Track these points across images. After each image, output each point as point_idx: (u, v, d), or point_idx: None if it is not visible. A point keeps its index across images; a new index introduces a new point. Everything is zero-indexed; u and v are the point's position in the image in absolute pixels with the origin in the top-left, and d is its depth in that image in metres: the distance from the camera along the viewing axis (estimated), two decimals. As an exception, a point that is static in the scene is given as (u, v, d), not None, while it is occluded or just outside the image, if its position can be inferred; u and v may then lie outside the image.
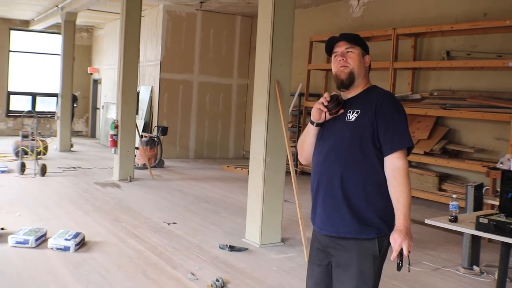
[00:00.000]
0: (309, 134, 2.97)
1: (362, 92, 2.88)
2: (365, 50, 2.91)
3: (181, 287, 5.07)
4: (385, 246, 2.81)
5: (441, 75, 10.01)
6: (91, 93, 20.66)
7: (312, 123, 2.93)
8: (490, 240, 6.87)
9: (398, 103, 2.83)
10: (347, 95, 2.90)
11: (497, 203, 6.34)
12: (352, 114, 2.80)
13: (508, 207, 4.43)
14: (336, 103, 2.82)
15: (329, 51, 2.97)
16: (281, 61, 6.51)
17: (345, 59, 2.86)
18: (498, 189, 7.03)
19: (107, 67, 19.03)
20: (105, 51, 19.28)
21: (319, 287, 2.97)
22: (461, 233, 6.47)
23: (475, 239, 5.87)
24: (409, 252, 2.62)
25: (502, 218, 4.34)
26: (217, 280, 5.09)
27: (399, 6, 10.90)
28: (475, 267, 5.89)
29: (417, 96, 10.01)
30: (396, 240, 2.62)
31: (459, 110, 9.01)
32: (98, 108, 19.92)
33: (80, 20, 16.45)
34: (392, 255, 2.63)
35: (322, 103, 2.84)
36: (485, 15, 9.17)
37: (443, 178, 9.40)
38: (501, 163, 7.19)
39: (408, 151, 2.78)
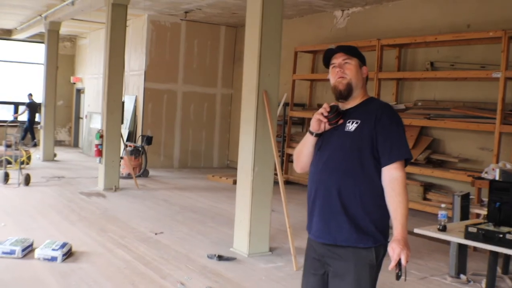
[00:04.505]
0: (307, 144, 2.99)
1: (361, 103, 2.92)
2: (362, 62, 2.95)
3: (171, 297, 5.06)
4: (381, 255, 2.85)
5: (425, 86, 10.12)
6: (74, 102, 20.54)
7: (311, 133, 2.95)
8: (475, 249, 6.95)
9: (397, 115, 2.88)
10: (346, 105, 2.93)
11: (482, 212, 6.44)
12: (351, 125, 2.83)
13: (496, 216, 4.50)
14: (336, 114, 2.85)
15: (327, 62, 2.99)
16: (269, 71, 6.55)
17: (343, 70, 2.89)
18: (483, 199, 7.14)
19: (90, 77, 18.95)
20: (88, 61, 19.20)
21: (315, 297, 2.98)
22: (447, 242, 6.52)
23: (462, 248, 5.93)
24: (406, 262, 2.65)
25: (490, 227, 4.40)
26: (207, 290, 5.09)
27: (383, 17, 11.01)
28: (462, 276, 5.94)
29: (402, 106, 10.10)
30: (395, 250, 2.65)
31: (443, 120, 9.11)
32: (81, 118, 19.81)
33: (63, 30, 16.37)
34: (391, 264, 2.65)
35: (322, 114, 2.86)
36: (469, 27, 9.30)
37: (428, 187, 9.49)
38: (486, 172, 7.29)
39: (406, 163, 2.83)
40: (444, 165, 9.48)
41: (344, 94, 2.89)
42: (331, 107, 2.86)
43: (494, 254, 4.58)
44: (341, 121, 2.87)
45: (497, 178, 6.51)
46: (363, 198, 2.79)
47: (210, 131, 15.67)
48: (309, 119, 10.39)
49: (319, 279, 2.95)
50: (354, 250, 2.80)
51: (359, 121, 2.83)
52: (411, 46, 10.29)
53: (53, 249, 5.94)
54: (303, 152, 3.03)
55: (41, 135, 15.50)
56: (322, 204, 2.86)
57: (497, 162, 7.84)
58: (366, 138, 2.78)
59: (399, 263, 2.65)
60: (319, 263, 2.95)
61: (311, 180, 2.95)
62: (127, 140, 13.81)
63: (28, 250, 6.10)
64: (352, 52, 2.93)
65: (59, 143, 19.30)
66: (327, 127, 2.89)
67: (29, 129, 18.23)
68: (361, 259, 2.79)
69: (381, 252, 2.84)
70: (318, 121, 2.89)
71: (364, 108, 2.88)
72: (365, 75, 2.95)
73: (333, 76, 2.93)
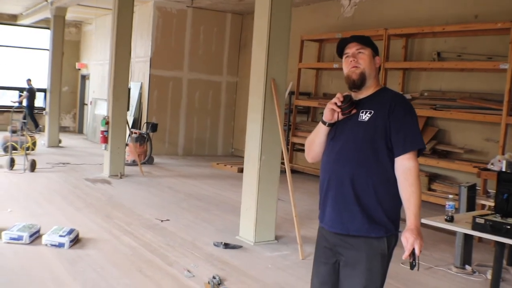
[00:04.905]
0: (320, 134, 3.00)
1: (374, 93, 2.92)
2: (375, 52, 2.95)
3: (178, 284, 5.08)
4: (392, 245, 2.87)
5: (432, 76, 10.09)
6: (79, 88, 20.55)
7: (324, 123, 2.95)
8: (480, 239, 6.97)
9: (410, 105, 2.88)
10: (358, 95, 2.93)
11: (488, 203, 6.45)
12: (365, 115, 2.84)
13: (503, 208, 4.50)
14: (349, 104, 2.85)
15: (340, 52, 2.99)
16: (277, 60, 6.54)
17: (356, 60, 2.89)
18: (489, 190, 7.15)
19: (95, 63, 18.95)
20: (94, 47, 19.19)
21: (326, 285, 2.99)
22: (452, 233, 6.55)
23: (467, 239, 5.94)
24: (420, 251, 2.66)
25: (498, 218, 4.41)
26: (214, 278, 5.11)
27: (391, 7, 10.96)
28: (467, 267, 5.96)
29: (408, 96, 10.07)
30: (408, 240, 2.67)
31: (449, 111, 9.10)
32: (86, 104, 19.82)
33: (68, 15, 16.34)
34: (405, 254, 2.67)
35: (335, 103, 2.86)
36: (476, 17, 9.26)
37: (433, 178, 9.49)
38: (492, 164, 7.29)
39: (419, 153, 2.83)
40: (449, 155, 9.47)
41: (358, 83, 2.89)
42: (345, 97, 2.86)
43: (501, 246, 4.58)
44: (354, 111, 2.87)
45: (503, 169, 6.51)
46: (376, 188, 2.79)
47: (215, 119, 15.68)
48: (315, 108, 10.40)
49: (330, 268, 2.97)
50: (366, 239, 2.81)
51: (372, 111, 2.83)
52: (418, 36, 10.26)
53: (61, 235, 5.96)
54: (315, 141, 3.03)
55: (46, 121, 15.52)
56: (335, 194, 2.87)
57: (503, 153, 7.83)
58: (379, 128, 2.79)
59: (413, 253, 2.67)
60: (330, 252, 2.96)
61: (324, 170, 2.96)
62: (132, 127, 13.81)
63: (35, 236, 6.13)
64: (366, 42, 2.93)
65: (63, 129, 19.32)
66: (340, 117, 2.90)
67: (30, 114, 18.21)
68: (373, 249, 2.81)
69: (393, 241, 2.86)
70: (331, 111, 2.89)
71: (377, 98, 2.88)
72: (378, 65, 2.95)
73: (346, 66, 2.93)
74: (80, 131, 20.34)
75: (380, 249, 2.81)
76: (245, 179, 6.79)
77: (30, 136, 12.85)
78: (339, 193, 2.85)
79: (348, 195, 2.82)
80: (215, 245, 6.35)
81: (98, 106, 17.37)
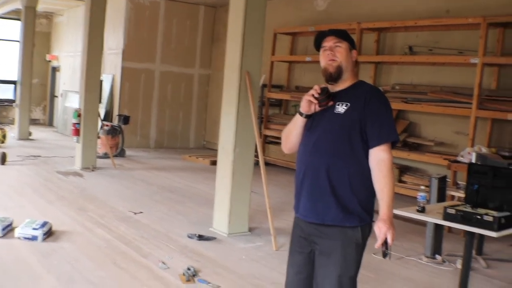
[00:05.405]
0: (296, 125, 3.04)
1: (350, 86, 2.97)
2: (352, 45, 3.00)
3: (153, 276, 5.09)
4: (366, 234, 2.93)
5: (403, 70, 10.22)
6: (49, 80, 20.27)
7: (301, 114, 2.99)
8: (450, 230, 7.10)
9: (386, 98, 2.95)
10: (335, 88, 2.98)
11: (458, 194, 6.58)
12: (341, 107, 2.89)
13: (473, 198, 4.62)
14: (326, 96, 2.90)
15: (318, 45, 3.03)
16: (252, 52, 6.56)
17: (334, 53, 2.94)
18: (459, 182, 7.29)
19: (66, 55, 18.71)
20: (65, 38, 18.94)
21: (301, 275, 3.04)
22: (421, 223, 6.66)
23: (438, 229, 6.06)
24: (392, 240, 2.73)
25: (468, 208, 4.51)
26: (189, 269, 5.13)
27: (364, 1, 11.05)
28: (437, 256, 6.08)
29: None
30: (381, 229, 2.74)
31: (420, 104, 9.22)
32: (56, 96, 19.58)
33: (39, 6, 16.08)
34: (377, 243, 2.74)
35: (313, 95, 2.90)
36: (448, 12, 9.39)
37: (403, 170, 9.63)
38: (462, 156, 7.42)
39: (393, 145, 2.89)
40: (420, 148, 9.61)
41: (334, 76, 2.94)
42: (322, 89, 2.91)
43: (470, 235, 4.68)
44: (331, 103, 2.92)
45: (473, 161, 6.65)
46: (351, 179, 2.85)
47: (187, 111, 15.63)
48: (287, 101, 10.44)
49: (305, 257, 3.02)
50: (341, 229, 2.87)
51: (348, 104, 2.88)
52: (391, 30, 10.36)
53: (34, 228, 5.91)
54: (292, 132, 3.07)
55: (16, 113, 15.31)
56: (311, 185, 2.92)
57: (473, 146, 7.97)
58: (355, 120, 2.84)
59: (385, 242, 2.73)
60: (305, 241, 3.01)
61: (300, 160, 3.00)
62: (104, 119, 13.71)
63: (8, 229, 6.05)
64: (343, 35, 2.98)
65: (33, 121, 18.99)
66: (317, 108, 2.94)
67: None
68: (347, 238, 2.87)
69: (367, 231, 2.92)
70: (308, 103, 2.93)
71: (353, 91, 2.93)
72: (354, 59, 3.01)
73: (323, 59, 2.97)
74: (50, 123, 20.06)
75: (355, 238, 2.87)
76: (218, 172, 6.81)
77: (0, 129, 12.67)
78: (315, 183, 2.90)
79: (323, 186, 2.86)
80: (189, 237, 6.37)
81: (69, 98, 17.17)
